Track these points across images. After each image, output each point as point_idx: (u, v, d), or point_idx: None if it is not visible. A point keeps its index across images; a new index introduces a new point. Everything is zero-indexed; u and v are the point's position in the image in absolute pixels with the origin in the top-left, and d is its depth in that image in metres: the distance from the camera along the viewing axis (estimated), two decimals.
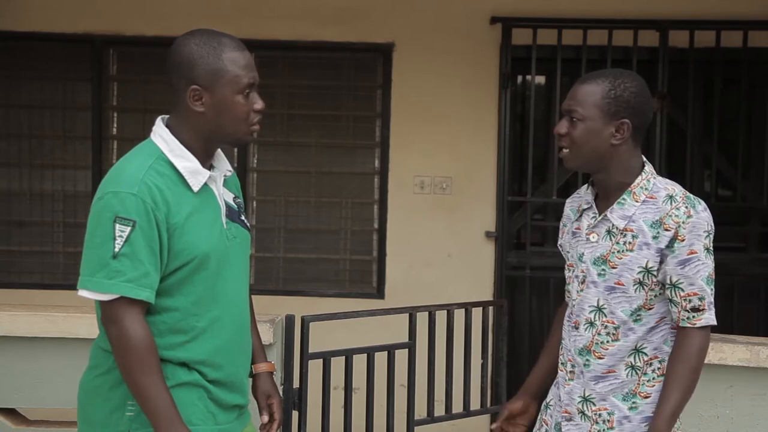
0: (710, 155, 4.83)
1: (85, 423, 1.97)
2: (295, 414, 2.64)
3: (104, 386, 1.92)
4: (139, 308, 1.85)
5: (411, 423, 2.93)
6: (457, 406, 3.03)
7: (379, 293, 4.91)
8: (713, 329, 2.13)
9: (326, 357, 2.70)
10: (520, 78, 5.10)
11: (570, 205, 2.27)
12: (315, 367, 2.62)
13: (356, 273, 5.04)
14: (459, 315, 3.01)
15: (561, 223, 2.30)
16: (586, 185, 2.22)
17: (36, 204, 5.05)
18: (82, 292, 1.86)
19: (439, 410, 3.01)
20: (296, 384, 2.63)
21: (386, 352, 2.85)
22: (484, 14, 4.74)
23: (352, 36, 4.86)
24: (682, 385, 2.03)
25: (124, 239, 1.81)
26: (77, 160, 4.98)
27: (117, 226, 1.82)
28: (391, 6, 4.83)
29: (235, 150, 4.95)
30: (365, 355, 2.79)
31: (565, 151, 2.12)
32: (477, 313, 3.06)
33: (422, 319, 2.92)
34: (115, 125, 5.03)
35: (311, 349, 2.65)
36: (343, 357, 2.74)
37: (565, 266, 2.27)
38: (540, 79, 5.07)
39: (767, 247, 5.03)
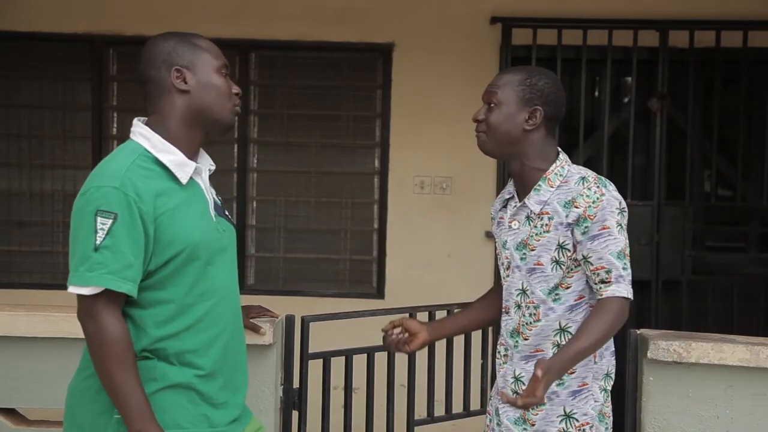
0: (710, 155, 4.83)
1: (72, 426, 1.95)
2: (295, 414, 2.64)
3: (92, 388, 1.90)
4: (118, 305, 1.85)
5: (411, 423, 2.93)
6: (457, 406, 3.03)
7: (379, 293, 4.91)
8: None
9: (326, 357, 2.70)
10: None
11: (498, 201, 2.39)
12: (315, 367, 2.62)
13: (356, 273, 5.04)
14: None
15: (491, 217, 2.43)
16: (509, 179, 2.33)
17: (36, 204, 5.05)
18: (70, 288, 1.86)
19: (439, 410, 3.01)
20: (296, 384, 2.63)
21: (386, 352, 2.85)
22: (484, 14, 4.74)
23: (352, 36, 4.86)
24: (586, 335, 2.07)
25: (105, 232, 1.81)
26: (77, 160, 4.98)
27: (98, 219, 1.82)
28: (391, 6, 4.83)
29: (235, 150, 4.95)
30: (365, 355, 2.79)
31: (481, 135, 2.25)
32: None
33: (422, 319, 2.91)
34: (115, 125, 5.04)
35: (311, 349, 2.65)
36: (343, 357, 2.74)
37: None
38: None
39: (767, 247, 5.02)
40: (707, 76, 4.80)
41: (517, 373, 2.22)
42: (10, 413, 2.69)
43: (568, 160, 2.24)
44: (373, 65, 4.95)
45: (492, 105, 2.23)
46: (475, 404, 3.10)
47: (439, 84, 4.81)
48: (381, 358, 2.82)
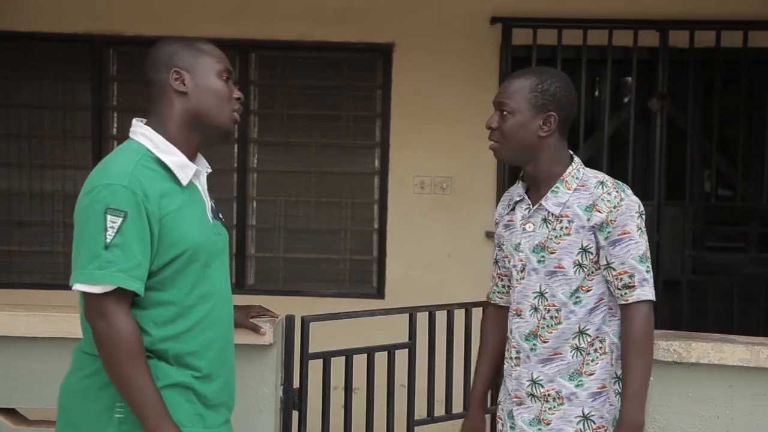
0: (710, 155, 4.83)
1: (68, 427, 1.95)
2: (295, 414, 2.64)
3: (92, 388, 1.90)
4: (127, 302, 1.85)
5: (411, 423, 2.92)
6: (457, 406, 3.03)
7: (379, 293, 4.91)
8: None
9: (326, 357, 2.70)
10: None
11: (501, 204, 2.37)
12: (315, 367, 2.62)
13: (356, 273, 5.04)
14: (459, 315, 3.01)
15: (495, 221, 2.40)
16: (518, 181, 2.33)
17: (36, 204, 5.06)
18: (76, 286, 1.85)
19: (439, 410, 3.00)
20: (296, 384, 2.63)
21: (386, 352, 2.85)
22: (484, 14, 4.74)
23: (352, 36, 4.86)
24: (635, 365, 2.11)
25: (115, 230, 1.81)
26: (77, 160, 4.98)
27: (108, 217, 1.81)
28: (391, 6, 4.83)
29: (235, 150, 4.95)
30: (365, 355, 2.79)
31: (495, 144, 2.23)
32: (477, 313, 3.05)
33: (422, 319, 2.92)
34: (115, 125, 5.04)
35: (311, 349, 2.65)
36: (343, 357, 2.74)
37: (494, 263, 2.39)
38: None
39: (767, 247, 5.02)
40: (707, 76, 4.80)
41: (534, 376, 2.19)
42: (10, 413, 2.68)
43: (581, 163, 2.22)
44: (373, 65, 4.96)
45: (504, 113, 2.19)
46: None
47: (439, 84, 4.81)
48: (381, 358, 2.82)
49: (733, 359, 2.51)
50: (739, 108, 4.75)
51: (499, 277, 2.40)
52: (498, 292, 2.42)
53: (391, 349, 2.87)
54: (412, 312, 2.89)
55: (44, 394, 2.57)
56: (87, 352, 1.92)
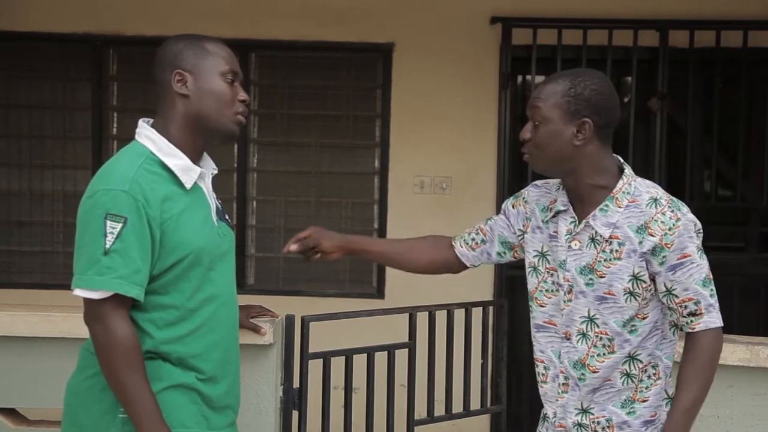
0: (710, 155, 4.83)
1: (72, 426, 1.95)
2: (295, 414, 2.64)
3: (95, 388, 1.91)
4: (126, 308, 1.85)
5: (411, 423, 2.92)
6: (457, 406, 3.03)
7: (379, 293, 4.91)
8: None
9: (326, 357, 2.70)
10: (520, 78, 5.10)
11: (536, 200, 2.19)
12: (315, 367, 2.62)
13: (356, 273, 5.04)
14: (459, 315, 3.01)
15: (516, 210, 2.25)
16: (557, 181, 2.15)
17: (36, 204, 5.05)
18: (76, 291, 1.86)
19: (439, 410, 3.00)
20: (296, 384, 2.63)
21: (386, 352, 2.85)
22: (484, 14, 4.74)
23: (352, 36, 4.86)
24: (692, 384, 2.01)
25: (115, 236, 1.81)
26: (77, 160, 4.99)
27: (108, 222, 1.82)
28: (391, 6, 4.83)
29: (235, 150, 4.95)
30: (365, 355, 2.79)
31: (527, 156, 2.09)
32: (477, 313, 3.06)
33: (422, 319, 2.92)
34: (115, 125, 5.04)
35: (311, 349, 2.65)
36: (343, 357, 2.74)
37: (487, 220, 2.34)
38: (540, 79, 5.06)
39: (767, 247, 5.02)
40: (707, 76, 4.80)
41: (584, 405, 2.08)
42: (10, 413, 2.69)
43: (633, 174, 2.05)
44: (373, 65, 4.95)
45: (537, 123, 2.03)
46: (475, 404, 3.10)
47: (439, 84, 4.81)
48: (381, 358, 2.82)
49: (733, 359, 2.52)
50: (739, 108, 4.75)
51: (477, 231, 2.37)
52: (465, 241, 2.38)
53: (391, 349, 2.87)
54: (412, 312, 2.89)
55: (44, 394, 2.58)
56: (92, 351, 1.92)
